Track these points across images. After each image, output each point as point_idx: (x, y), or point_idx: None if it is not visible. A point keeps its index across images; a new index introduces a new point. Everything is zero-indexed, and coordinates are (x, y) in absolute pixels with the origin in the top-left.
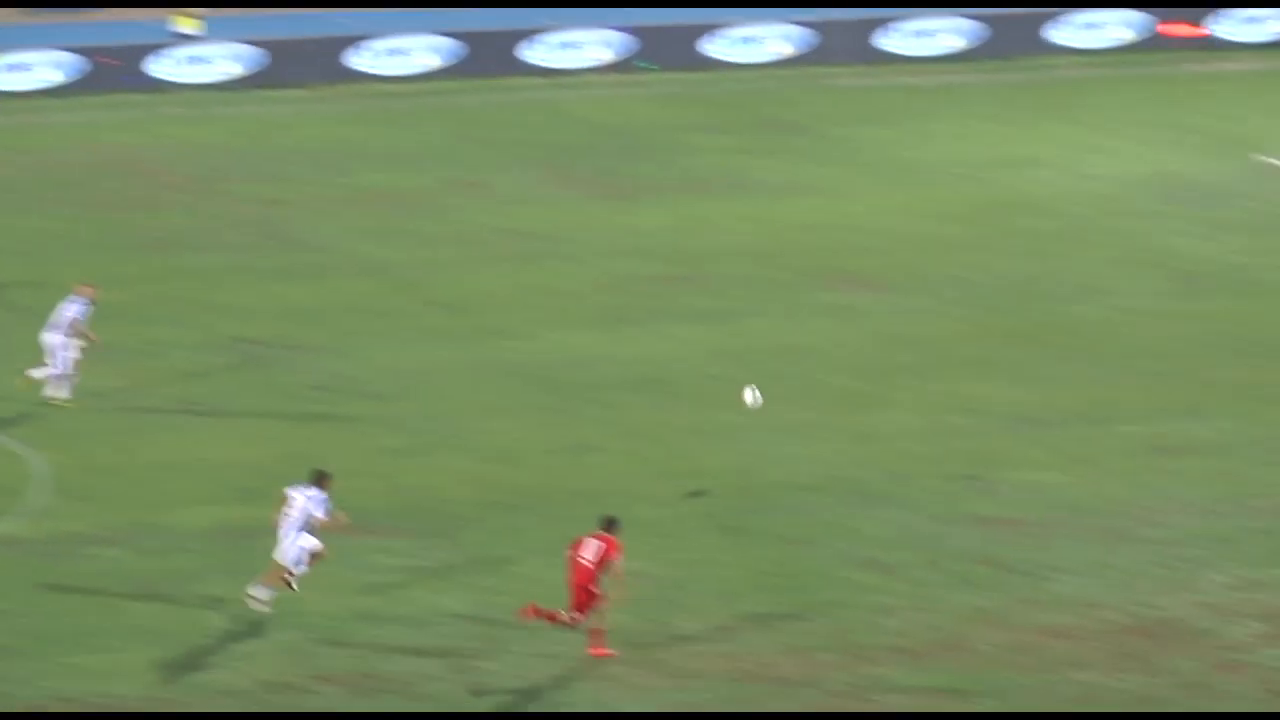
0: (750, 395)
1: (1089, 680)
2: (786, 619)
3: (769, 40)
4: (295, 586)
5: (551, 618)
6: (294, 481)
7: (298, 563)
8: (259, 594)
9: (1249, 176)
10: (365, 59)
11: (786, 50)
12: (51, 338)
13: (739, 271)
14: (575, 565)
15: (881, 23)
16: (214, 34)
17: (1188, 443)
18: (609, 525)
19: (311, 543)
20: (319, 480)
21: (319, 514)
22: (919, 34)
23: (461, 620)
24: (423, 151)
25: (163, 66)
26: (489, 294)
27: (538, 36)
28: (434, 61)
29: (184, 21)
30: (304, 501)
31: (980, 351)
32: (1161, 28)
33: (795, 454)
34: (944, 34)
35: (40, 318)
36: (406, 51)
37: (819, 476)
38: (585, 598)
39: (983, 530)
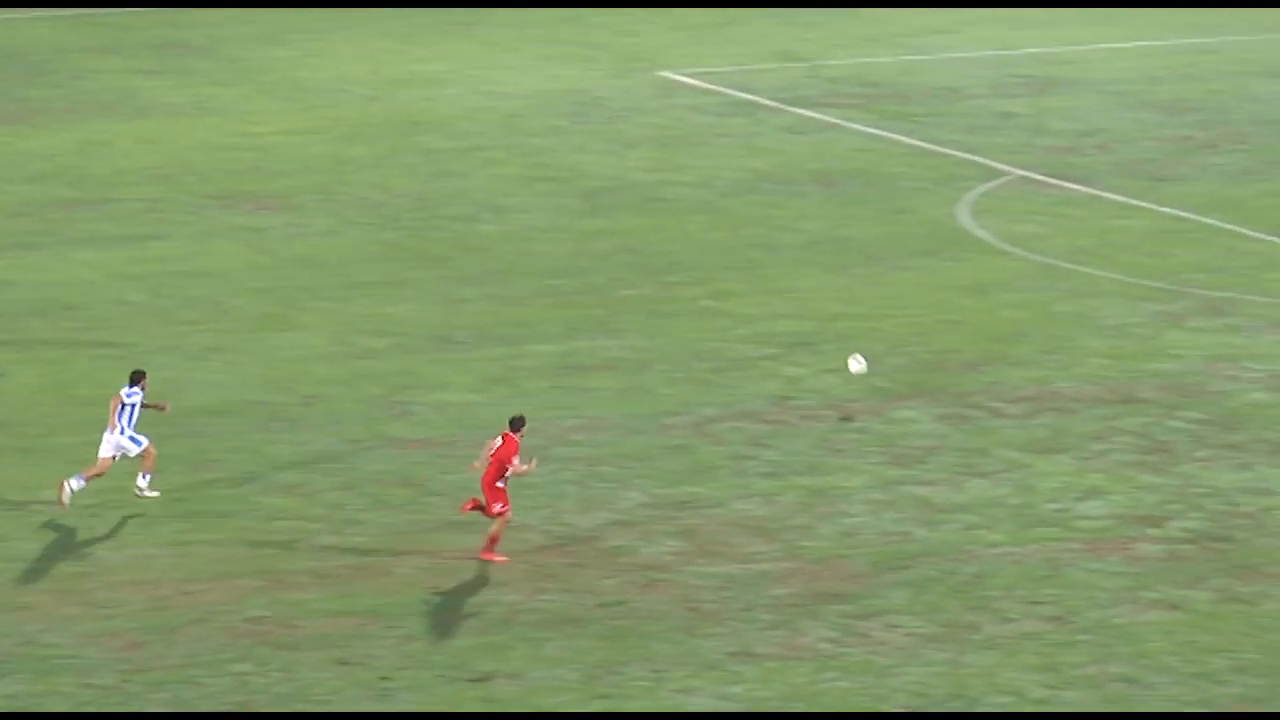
0: (856, 364)
1: (511, 601)
2: (204, 546)
3: None
4: (151, 493)
5: (487, 512)
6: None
7: (142, 470)
8: (73, 485)
9: (651, 93)
10: None
11: None
12: None
13: (143, 195)
14: (486, 465)
15: None
16: None
17: (600, 361)
18: (514, 424)
19: (141, 442)
20: (137, 379)
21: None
22: None
23: None
24: None
25: None
26: None
27: None
28: None
29: None
30: (128, 402)
31: (389, 272)
32: None
33: (205, 379)
34: None
35: None
36: None
37: (230, 401)
38: (494, 495)
39: (399, 452)
